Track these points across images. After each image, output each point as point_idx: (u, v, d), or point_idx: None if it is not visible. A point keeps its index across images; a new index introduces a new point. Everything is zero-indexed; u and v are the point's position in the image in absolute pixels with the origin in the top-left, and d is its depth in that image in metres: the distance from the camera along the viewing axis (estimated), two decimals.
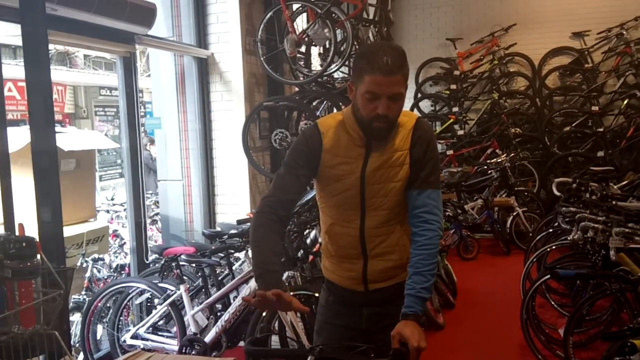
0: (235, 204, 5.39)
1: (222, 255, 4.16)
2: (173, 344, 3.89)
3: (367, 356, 1.84)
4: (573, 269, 3.81)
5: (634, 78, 8.14)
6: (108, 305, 4.22)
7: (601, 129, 7.83)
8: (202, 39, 5.34)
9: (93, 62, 14.74)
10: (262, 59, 5.33)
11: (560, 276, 3.21)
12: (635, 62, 8.11)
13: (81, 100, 15.08)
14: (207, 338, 3.80)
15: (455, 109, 8.78)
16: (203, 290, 4.10)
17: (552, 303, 4.72)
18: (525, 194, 7.42)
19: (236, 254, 4.42)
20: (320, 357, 1.67)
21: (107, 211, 6.87)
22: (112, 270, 5.28)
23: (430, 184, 1.96)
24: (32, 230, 2.77)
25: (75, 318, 4.43)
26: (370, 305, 2.08)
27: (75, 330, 4.32)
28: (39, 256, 2.02)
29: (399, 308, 1.92)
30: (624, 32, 8.23)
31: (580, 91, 8.41)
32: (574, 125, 8.20)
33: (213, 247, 4.14)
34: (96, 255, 4.92)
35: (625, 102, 8.08)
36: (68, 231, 4.15)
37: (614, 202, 4.65)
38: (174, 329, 3.96)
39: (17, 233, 2.24)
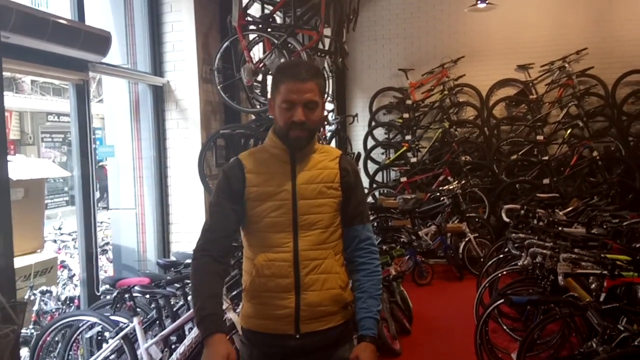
0: (191, 232, 5.31)
1: (178, 285, 4.09)
2: None
3: None
4: (525, 294, 3.91)
5: (576, 109, 8.53)
6: (57, 339, 4.05)
7: (546, 158, 8.13)
8: (157, 66, 5.32)
9: (41, 87, 14.35)
10: (218, 87, 5.35)
11: (513, 302, 3.30)
12: (577, 93, 8.51)
13: (27, 127, 14.64)
14: None
15: (408, 137, 8.96)
16: (157, 322, 4.00)
17: (505, 328, 4.82)
18: (476, 220, 7.59)
19: None
20: None
21: (55, 241, 6.63)
22: (60, 302, 5.09)
23: (368, 218, 2.11)
24: None
25: (23, 353, 4.23)
26: (300, 357, 1.97)
27: None
28: None
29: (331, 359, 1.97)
30: (566, 65, 8.65)
31: (525, 121, 8.76)
32: (520, 153, 8.51)
33: (168, 278, 4.06)
34: (44, 288, 4.73)
35: (569, 131, 8.44)
36: (15, 263, 3.99)
37: (560, 229, 4.85)
38: None
39: None
